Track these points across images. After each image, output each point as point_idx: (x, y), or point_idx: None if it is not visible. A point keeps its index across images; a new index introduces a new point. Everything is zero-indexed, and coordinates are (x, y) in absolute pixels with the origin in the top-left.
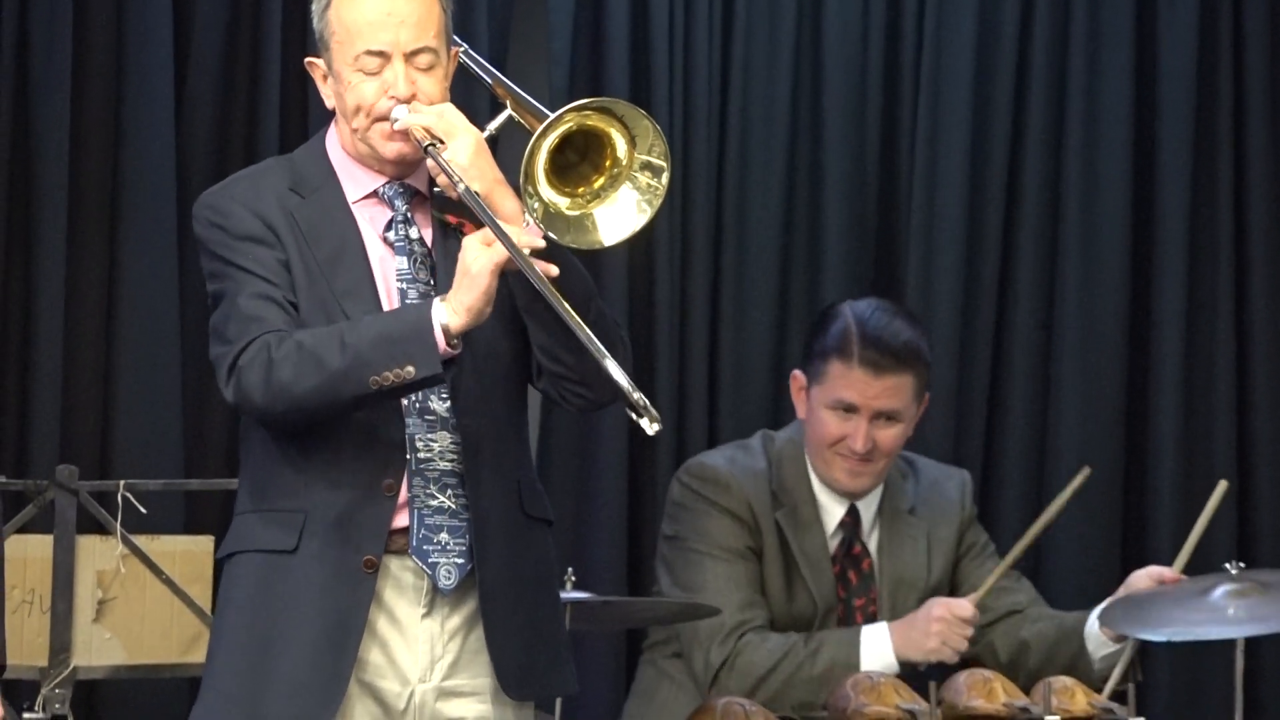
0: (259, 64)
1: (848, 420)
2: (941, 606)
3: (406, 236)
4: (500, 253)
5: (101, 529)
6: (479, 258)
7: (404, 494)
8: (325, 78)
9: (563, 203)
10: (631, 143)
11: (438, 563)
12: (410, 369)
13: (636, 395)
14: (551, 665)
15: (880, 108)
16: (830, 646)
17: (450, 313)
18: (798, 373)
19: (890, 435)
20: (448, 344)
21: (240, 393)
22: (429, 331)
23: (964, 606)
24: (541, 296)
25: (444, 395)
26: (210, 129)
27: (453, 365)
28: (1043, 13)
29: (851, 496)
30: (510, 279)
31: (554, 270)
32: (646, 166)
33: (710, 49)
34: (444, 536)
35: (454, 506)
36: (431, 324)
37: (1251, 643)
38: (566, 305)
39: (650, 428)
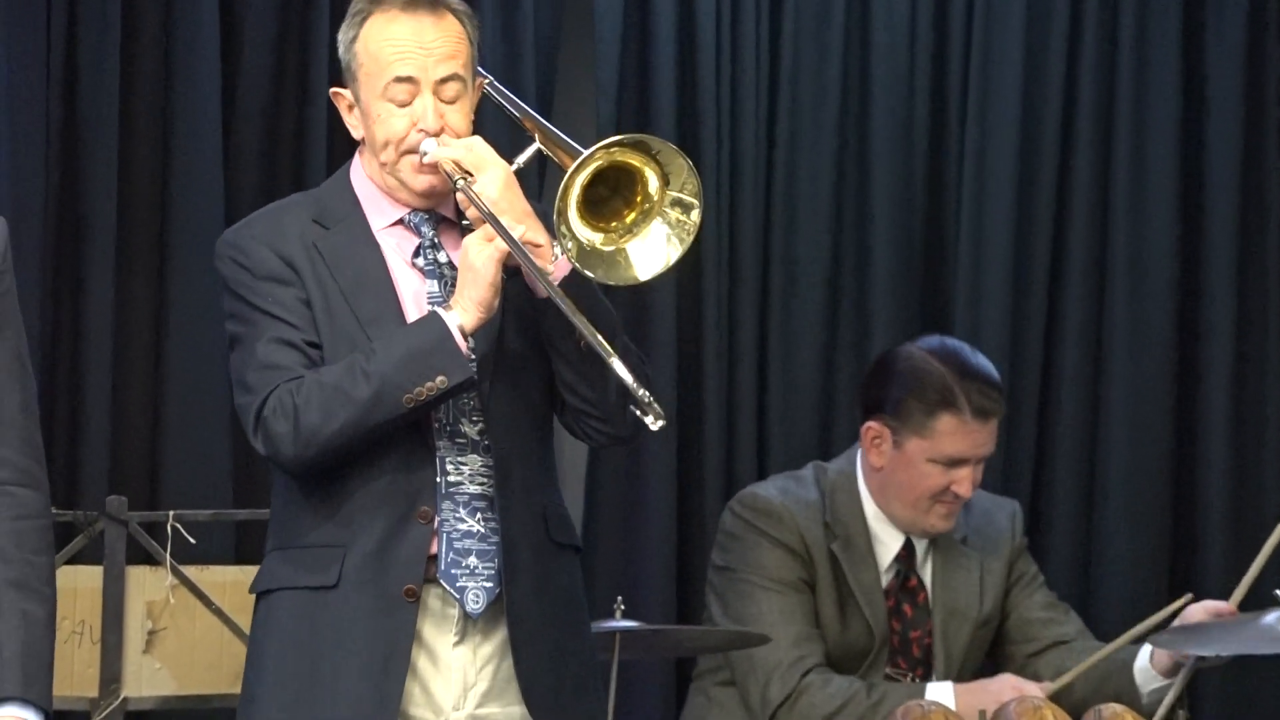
0: (306, 93)
1: (954, 470)
2: (1014, 691)
3: (435, 261)
4: (500, 246)
5: (151, 560)
6: (481, 252)
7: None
8: (351, 108)
9: (596, 238)
10: (663, 179)
11: (465, 587)
12: (442, 379)
13: (641, 391)
14: (580, 692)
15: (927, 131)
16: (893, 701)
17: (461, 312)
18: (873, 424)
19: (981, 471)
20: (467, 347)
21: (270, 444)
22: (450, 339)
23: (1038, 696)
24: (562, 314)
25: (476, 418)
26: (257, 159)
27: (486, 369)
28: (1090, 34)
29: (928, 535)
30: (539, 309)
31: (552, 268)
32: (677, 203)
33: (757, 77)
34: (473, 560)
35: (483, 530)
36: (450, 331)
37: None
38: (574, 306)
39: (654, 424)
